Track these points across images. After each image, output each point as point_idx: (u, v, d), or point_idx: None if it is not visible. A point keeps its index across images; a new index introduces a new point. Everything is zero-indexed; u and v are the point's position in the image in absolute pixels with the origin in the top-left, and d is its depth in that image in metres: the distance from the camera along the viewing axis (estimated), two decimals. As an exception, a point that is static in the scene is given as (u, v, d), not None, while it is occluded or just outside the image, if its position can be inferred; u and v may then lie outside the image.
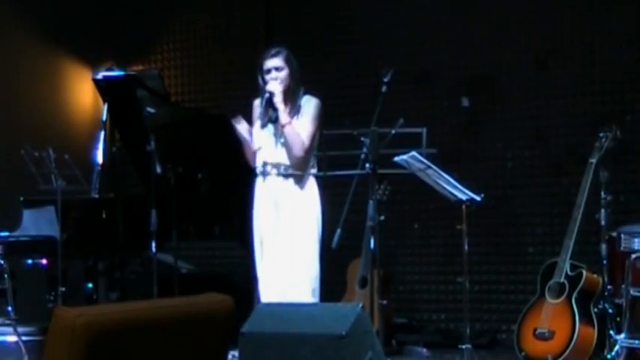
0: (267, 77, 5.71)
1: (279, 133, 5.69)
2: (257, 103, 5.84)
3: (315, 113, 5.72)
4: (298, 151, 5.65)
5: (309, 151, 5.70)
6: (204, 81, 8.81)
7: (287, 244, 5.65)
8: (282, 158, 5.70)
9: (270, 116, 5.69)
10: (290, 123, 5.65)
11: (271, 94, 5.64)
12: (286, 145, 5.66)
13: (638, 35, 7.21)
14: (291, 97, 5.70)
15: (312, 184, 5.75)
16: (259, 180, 5.78)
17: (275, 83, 5.66)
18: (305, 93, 5.78)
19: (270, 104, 5.65)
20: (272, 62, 5.72)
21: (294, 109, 5.71)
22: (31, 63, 8.37)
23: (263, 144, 5.74)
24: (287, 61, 5.72)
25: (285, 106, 5.65)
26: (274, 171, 5.70)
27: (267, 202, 5.72)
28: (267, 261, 5.70)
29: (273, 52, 5.77)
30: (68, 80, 8.79)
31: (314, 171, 5.76)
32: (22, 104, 8.20)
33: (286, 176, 5.69)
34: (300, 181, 5.71)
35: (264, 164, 5.73)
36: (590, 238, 6.50)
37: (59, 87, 8.74)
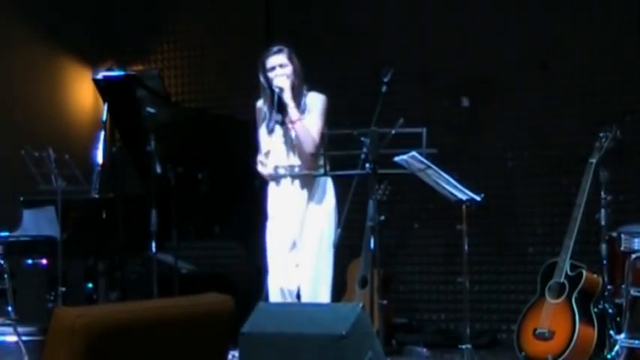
0: (272, 74, 5.66)
1: (288, 135, 5.66)
2: (260, 104, 5.81)
3: (322, 109, 5.70)
4: (309, 147, 5.61)
5: (319, 148, 5.67)
6: (204, 81, 8.80)
7: (306, 244, 5.63)
8: (295, 160, 5.67)
9: (276, 119, 5.65)
10: (300, 119, 5.62)
11: (281, 90, 5.60)
12: (297, 142, 5.62)
13: (638, 35, 7.21)
14: (296, 95, 5.68)
15: (328, 182, 5.73)
16: (272, 185, 5.75)
17: (282, 79, 5.62)
18: (309, 91, 5.76)
19: (279, 101, 5.61)
20: (276, 59, 5.68)
21: (300, 108, 5.68)
22: (31, 63, 8.37)
23: (273, 148, 5.71)
24: (290, 58, 5.70)
25: (293, 102, 5.62)
26: (288, 174, 5.68)
27: (284, 205, 5.69)
28: (281, 263, 5.68)
29: (275, 49, 5.73)
30: (68, 80, 8.79)
31: (327, 168, 5.72)
32: (23, 104, 8.20)
33: (299, 177, 5.67)
34: (315, 180, 5.68)
35: (276, 168, 5.71)
36: (590, 238, 6.49)
37: (59, 87, 8.74)
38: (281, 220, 5.70)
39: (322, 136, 5.67)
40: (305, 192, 5.67)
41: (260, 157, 5.76)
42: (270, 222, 5.76)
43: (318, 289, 5.62)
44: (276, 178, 5.71)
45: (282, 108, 5.64)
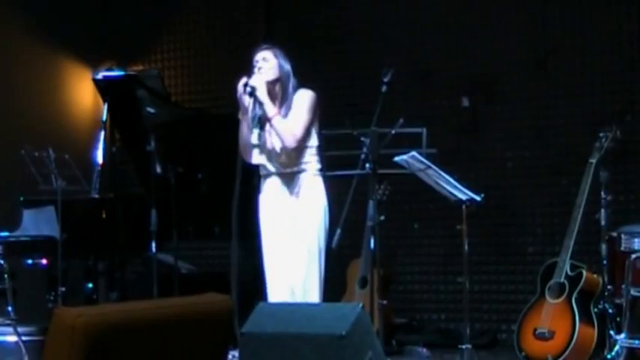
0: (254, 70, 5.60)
1: (272, 134, 5.62)
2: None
3: (309, 104, 5.56)
4: (289, 142, 5.50)
5: (301, 142, 5.54)
6: (204, 81, 8.80)
7: (296, 243, 5.60)
8: (281, 158, 5.65)
9: (258, 117, 5.55)
10: (277, 114, 5.50)
11: (253, 89, 5.46)
12: (278, 138, 5.53)
13: (639, 35, 7.22)
14: (281, 90, 5.59)
15: (317, 181, 5.68)
16: (262, 182, 5.73)
17: (258, 76, 5.51)
18: (299, 88, 5.65)
19: (254, 99, 5.48)
20: (260, 54, 5.60)
21: (286, 104, 5.58)
22: (31, 63, 8.37)
23: (260, 146, 5.65)
24: (275, 54, 5.60)
25: (270, 100, 5.48)
26: (276, 171, 5.65)
27: (272, 202, 5.68)
28: (276, 262, 5.66)
29: (263, 45, 5.68)
30: (68, 80, 8.79)
31: (318, 167, 5.69)
32: (22, 104, 8.21)
33: (288, 175, 5.64)
34: (304, 178, 5.65)
35: (264, 166, 5.68)
36: (590, 238, 6.50)
37: (59, 87, 8.74)
38: (272, 220, 5.68)
39: (307, 129, 5.55)
40: (294, 191, 5.63)
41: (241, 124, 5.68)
42: (262, 221, 5.74)
43: (308, 289, 5.59)
44: (265, 176, 5.68)
45: (259, 104, 5.49)
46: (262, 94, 5.49)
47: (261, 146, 5.59)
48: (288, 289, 5.61)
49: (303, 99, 5.60)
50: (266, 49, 5.65)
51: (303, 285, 5.60)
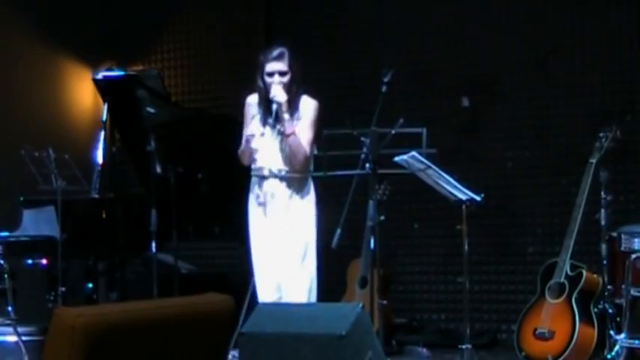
0: (270, 80, 5.54)
1: (278, 139, 5.61)
2: (251, 101, 5.74)
3: (313, 118, 5.61)
4: (300, 160, 5.56)
5: (309, 158, 5.64)
6: (204, 81, 8.80)
7: (285, 245, 5.61)
8: (281, 164, 5.64)
9: (269, 123, 5.60)
10: (294, 133, 5.55)
11: (279, 105, 5.49)
12: (289, 152, 5.56)
13: (638, 35, 7.21)
14: (292, 99, 5.60)
15: (309, 186, 5.71)
16: (255, 183, 5.72)
17: (280, 91, 5.50)
18: (303, 93, 5.68)
19: (275, 114, 5.52)
20: (276, 66, 5.55)
21: (293, 111, 5.61)
22: (31, 63, 8.37)
23: (260, 147, 5.66)
24: (290, 65, 5.56)
25: (289, 115, 5.54)
26: (272, 175, 5.64)
27: (265, 205, 5.67)
28: (266, 262, 5.67)
29: (275, 53, 5.57)
30: (68, 80, 8.79)
31: (311, 170, 5.71)
32: (22, 104, 8.21)
33: (285, 179, 5.63)
34: (298, 183, 5.65)
35: (261, 168, 5.66)
36: (590, 238, 6.50)
37: (59, 87, 8.74)
38: (270, 220, 5.68)
39: (312, 144, 5.62)
40: (294, 193, 5.63)
41: (243, 147, 5.69)
42: (255, 220, 5.74)
43: (300, 291, 5.59)
44: (261, 178, 5.66)
45: (277, 118, 5.56)
46: (285, 110, 5.53)
47: (265, 150, 5.62)
48: (278, 288, 5.61)
49: (309, 111, 5.62)
50: (280, 58, 5.57)
51: (294, 285, 5.60)
